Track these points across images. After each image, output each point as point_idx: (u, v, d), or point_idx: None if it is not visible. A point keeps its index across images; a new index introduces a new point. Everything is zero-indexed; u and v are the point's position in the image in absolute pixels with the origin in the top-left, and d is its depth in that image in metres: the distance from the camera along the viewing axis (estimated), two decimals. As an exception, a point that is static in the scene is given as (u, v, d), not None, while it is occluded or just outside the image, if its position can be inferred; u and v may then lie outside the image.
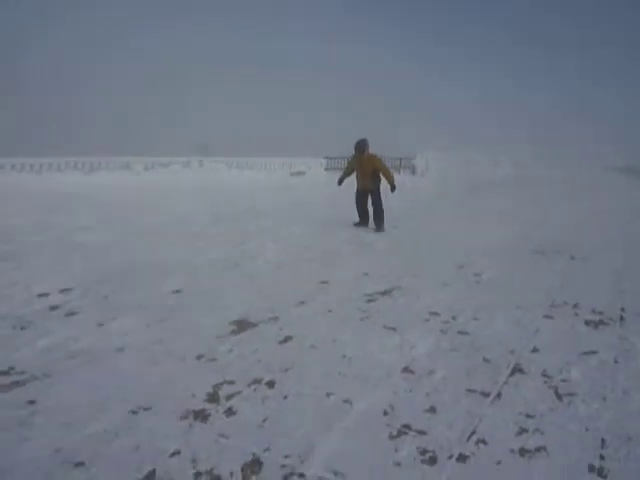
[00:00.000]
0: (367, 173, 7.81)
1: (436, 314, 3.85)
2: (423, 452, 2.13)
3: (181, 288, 4.35)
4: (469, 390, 2.67)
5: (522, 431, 2.30)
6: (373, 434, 2.25)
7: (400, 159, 22.95)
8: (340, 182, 8.32)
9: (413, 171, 22.77)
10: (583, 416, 2.45)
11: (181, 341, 3.21)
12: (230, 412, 2.39)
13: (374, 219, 7.78)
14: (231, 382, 2.68)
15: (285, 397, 2.55)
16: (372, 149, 7.93)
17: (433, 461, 2.07)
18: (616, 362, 3.10)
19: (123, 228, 7.17)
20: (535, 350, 3.24)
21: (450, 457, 2.10)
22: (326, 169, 20.49)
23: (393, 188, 7.88)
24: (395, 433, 2.26)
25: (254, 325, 3.52)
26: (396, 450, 2.14)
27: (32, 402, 2.41)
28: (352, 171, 8.11)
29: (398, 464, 2.05)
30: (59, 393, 2.51)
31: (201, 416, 2.35)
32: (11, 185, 10.90)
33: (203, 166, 15.03)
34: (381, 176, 7.82)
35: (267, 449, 2.11)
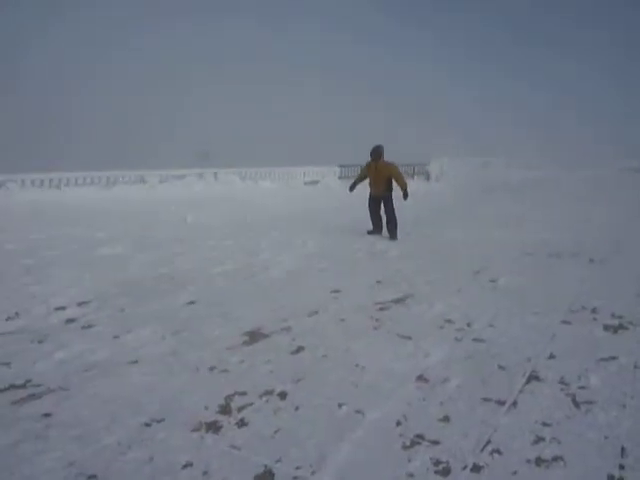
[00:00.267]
0: (382, 180, 7.80)
1: (451, 321, 3.81)
2: (436, 463, 2.10)
3: (195, 299, 4.38)
4: (484, 399, 2.64)
5: (538, 440, 2.26)
6: (386, 444, 2.22)
7: (413, 166, 22.85)
8: (352, 188, 8.27)
9: (427, 177, 22.66)
10: (602, 424, 2.39)
11: (195, 353, 3.22)
12: (242, 423, 2.39)
13: (387, 227, 7.75)
14: (243, 393, 2.68)
15: (297, 408, 2.54)
16: (386, 156, 7.93)
17: (447, 472, 2.04)
18: (636, 368, 3.03)
19: (139, 240, 7.26)
20: (552, 357, 3.19)
21: (464, 468, 2.06)
22: (340, 177, 20.51)
23: (405, 195, 7.85)
24: (408, 443, 2.24)
25: (266, 336, 3.52)
26: (409, 460, 2.11)
27: (47, 415, 2.44)
28: (365, 177, 8.11)
29: (411, 475, 2.02)
30: (74, 406, 2.54)
31: (213, 428, 2.35)
32: (31, 201, 11.14)
33: (217, 178, 15.18)
34: (394, 183, 7.80)
35: (279, 460, 2.10)
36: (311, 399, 2.62)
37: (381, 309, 4.12)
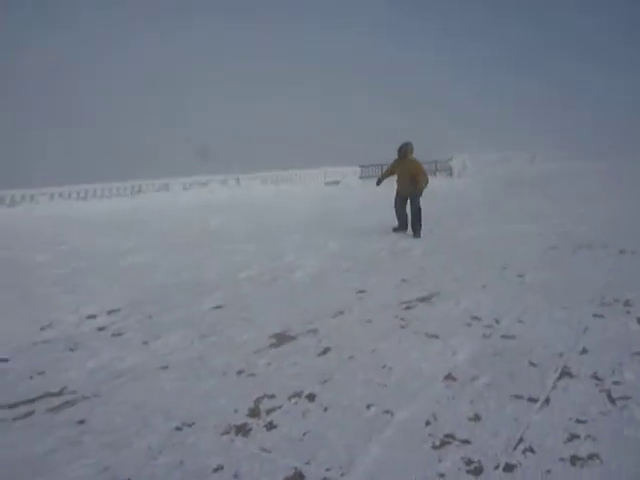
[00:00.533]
0: (407, 177, 7.76)
1: (478, 318, 3.76)
2: (468, 462, 2.07)
3: (222, 304, 4.42)
4: (515, 396, 2.59)
5: (573, 438, 2.21)
6: (415, 445, 2.20)
7: (436, 162, 22.63)
8: (379, 183, 8.44)
9: (450, 173, 22.41)
10: (639, 420, 2.32)
11: (222, 357, 3.26)
12: (271, 426, 2.40)
13: (412, 224, 7.70)
14: (272, 396, 2.70)
15: (325, 409, 2.54)
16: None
17: (479, 471, 2.01)
18: (674, 361, 2.93)
19: (164, 248, 7.38)
20: (584, 351, 3.11)
21: (496, 467, 2.03)
22: (361, 177, 20.45)
23: (419, 192, 7.75)
24: (438, 443, 2.21)
25: (293, 338, 3.53)
26: (440, 461, 2.09)
27: (82, 422, 2.50)
28: (391, 173, 8.17)
29: (442, 475, 2.00)
30: (106, 412, 2.59)
31: (243, 431, 2.37)
32: (60, 213, 11.43)
33: (240, 184, 15.30)
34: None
35: (308, 462, 2.11)
36: (339, 400, 2.62)
37: (407, 308, 4.09)
